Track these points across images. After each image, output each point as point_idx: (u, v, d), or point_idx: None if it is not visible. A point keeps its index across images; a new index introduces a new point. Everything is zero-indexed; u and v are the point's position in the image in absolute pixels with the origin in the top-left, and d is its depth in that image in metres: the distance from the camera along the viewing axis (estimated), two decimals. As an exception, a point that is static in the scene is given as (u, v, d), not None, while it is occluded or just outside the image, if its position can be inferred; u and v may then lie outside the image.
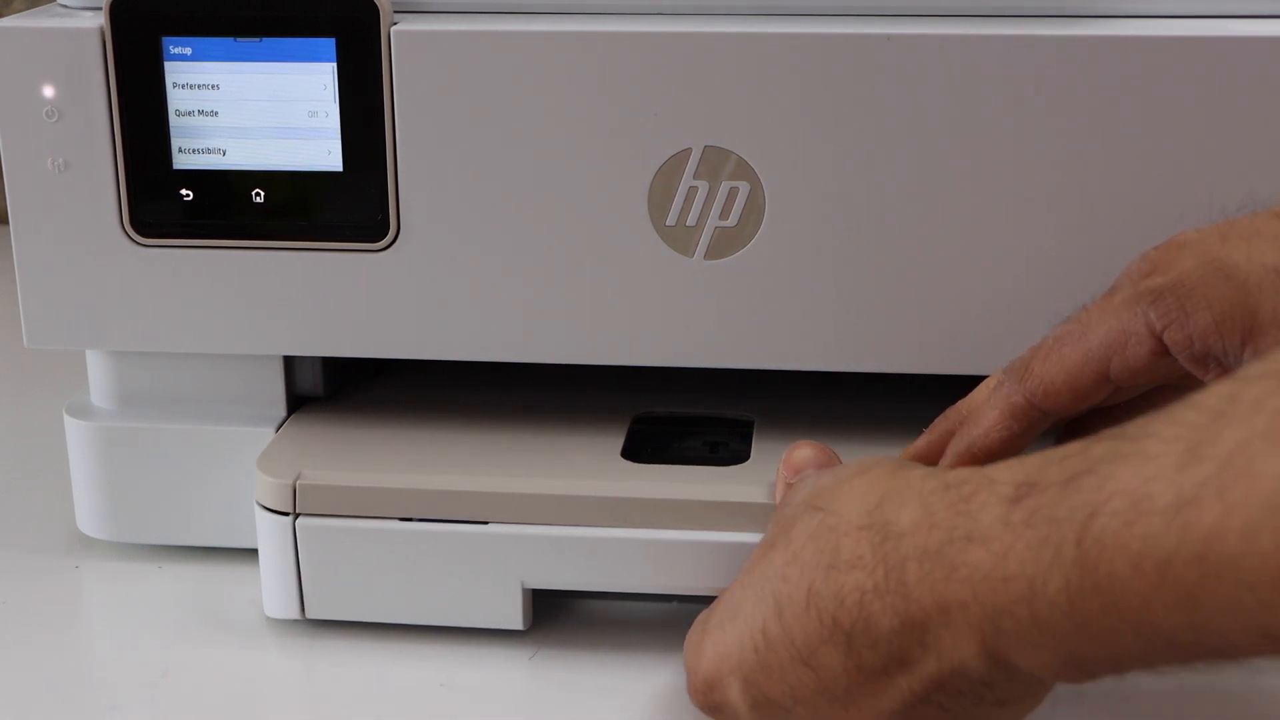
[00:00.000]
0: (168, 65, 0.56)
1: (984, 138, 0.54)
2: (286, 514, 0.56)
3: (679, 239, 0.56)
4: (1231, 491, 0.32)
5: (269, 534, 0.57)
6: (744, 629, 0.46)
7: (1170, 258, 0.47)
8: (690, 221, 0.56)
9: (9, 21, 0.57)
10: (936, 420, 0.54)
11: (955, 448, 0.51)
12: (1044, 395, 0.49)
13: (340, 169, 0.57)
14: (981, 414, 0.51)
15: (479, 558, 0.56)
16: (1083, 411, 0.50)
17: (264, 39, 0.56)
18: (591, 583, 0.56)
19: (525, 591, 0.57)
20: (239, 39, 0.56)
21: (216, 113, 0.57)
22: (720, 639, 0.47)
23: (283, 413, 0.63)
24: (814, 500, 0.46)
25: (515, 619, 0.57)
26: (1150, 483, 0.34)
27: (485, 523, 0.56)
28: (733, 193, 0.56)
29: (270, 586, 0.58)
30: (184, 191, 0.58)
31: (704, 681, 0.48)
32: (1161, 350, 0.46)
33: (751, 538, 0.54)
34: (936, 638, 0.40)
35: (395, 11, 0.56)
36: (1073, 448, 0.38)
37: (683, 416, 0.64)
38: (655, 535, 0.55)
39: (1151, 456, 0.35)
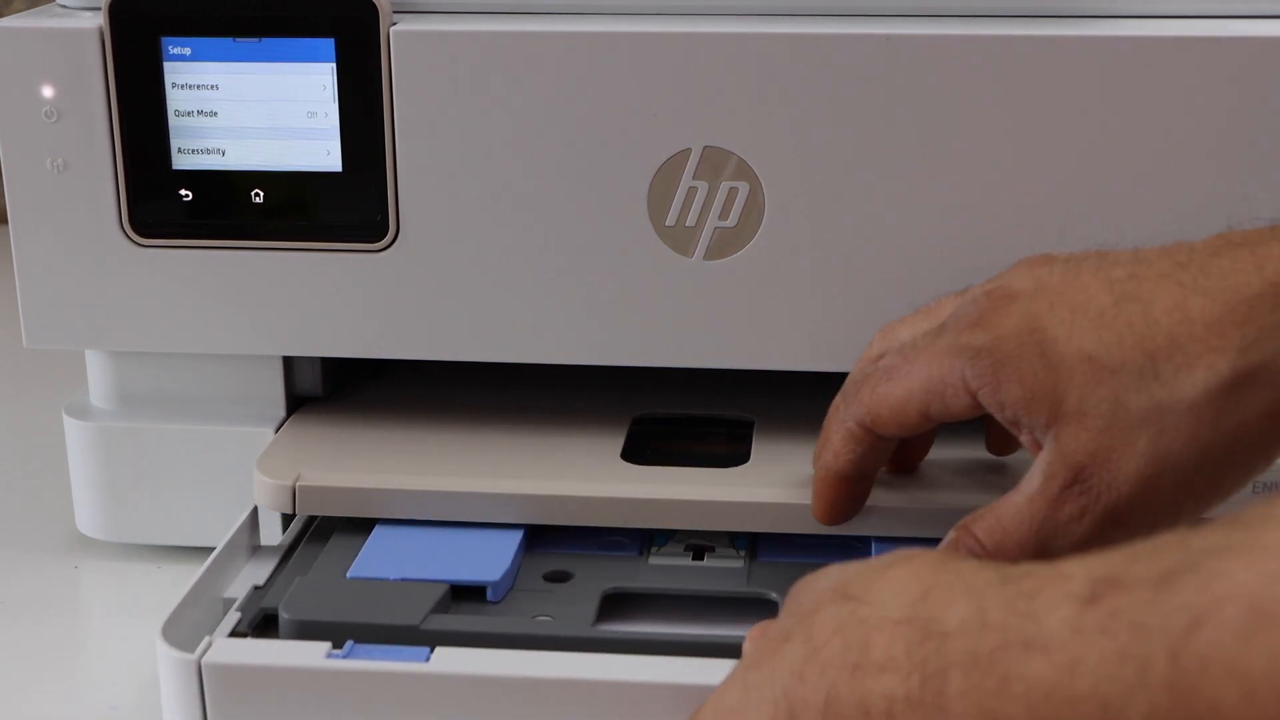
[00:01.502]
0: (167, 65, 0.56)
1: (984, 138, 0.54)
2: (191, 653, 0.48)
3: (678, 239, 0.56)
4: None
5: (171, 677, 0.49)
6: None
7: (998, 311, 0.45)
8: (690, 222, 0.56)
9: (9, 21, 0.57)
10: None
11: (816, 474, 0.51)
12: (873, 423, 0.48)
13: (339, 169, 0.57)
14: (830, 434, 0.50)
15: (416, 708, 0.47)
16: None
17: (263, 39, 0.56)
18: None
19: None
20: (238, 39, 0.56)
21: (216, 113, 0.57)
22: None
23: (282, 413, 0.63)
24: (844, 587, 0.38)
25: None
26: (1276, 584, 0.28)
27: (429, 655, 0.48)
28: (732, 193, 0.55)
29: None
30: (183, 192, 0.58)
31: None
32: (978, 405, 0.45)
33: None
34: None
35: (394, 11, 0.56)
36: (1168, 538, 0.31)
37: (682, 417, 0.64)
38: (622, 677, 0.47)
39: (1274, 550, 0.28)
